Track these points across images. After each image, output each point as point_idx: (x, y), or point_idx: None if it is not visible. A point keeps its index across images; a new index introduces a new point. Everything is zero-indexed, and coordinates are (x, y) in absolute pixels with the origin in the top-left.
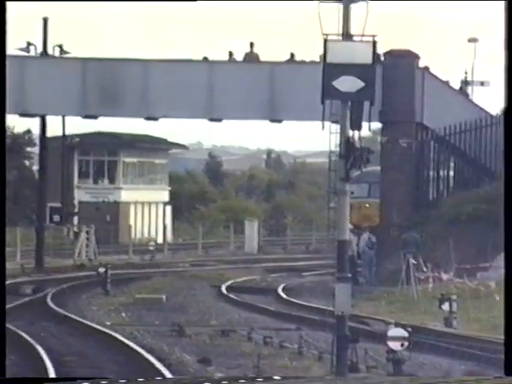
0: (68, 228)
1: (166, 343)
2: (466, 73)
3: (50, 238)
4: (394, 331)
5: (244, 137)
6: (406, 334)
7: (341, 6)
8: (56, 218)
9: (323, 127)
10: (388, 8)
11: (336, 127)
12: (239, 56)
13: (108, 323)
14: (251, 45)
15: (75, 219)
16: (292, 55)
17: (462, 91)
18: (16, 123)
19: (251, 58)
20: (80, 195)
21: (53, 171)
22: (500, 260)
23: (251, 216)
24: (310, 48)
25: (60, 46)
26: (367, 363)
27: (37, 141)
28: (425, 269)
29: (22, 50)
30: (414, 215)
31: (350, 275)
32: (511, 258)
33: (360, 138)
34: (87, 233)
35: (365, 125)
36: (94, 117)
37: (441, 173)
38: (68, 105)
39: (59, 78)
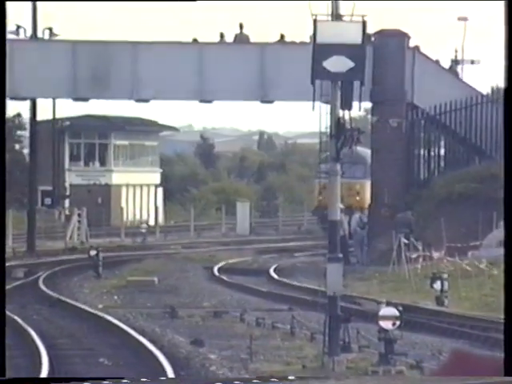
0: (59, 211)
1: (158, 325)
2: (456, 51)
3: (41, 222)
4: (385, 310)
5: (235, 118)
6: (397, 314)
7: None
8: (47, 201)
9: (314, 108)
10: None
11: (326, 107)
12: (229, 38)
13: (100, 306)
14: (241, 26)
15: (66, 202)
16: (282, 36)
17: (452, 70)
18: (6, 111)
19: (241, 39)
20: (71, 178)
21: (44, 154)
22: (491, 238)
23: (243, 198)
24: (300, 29)
25: (49, 29)
26: (359, 343)
27: (27, 124)
28: (417, 248)
29: (11, 33)
30: (405, 195)
31: (341, 255)
32: (511, 239)
33: (350, 118)
34: (79, 215)
35: (355, 105)
36: (85, 99)
37: (431, 152)
38: (58, 88)
39: (49, 61)
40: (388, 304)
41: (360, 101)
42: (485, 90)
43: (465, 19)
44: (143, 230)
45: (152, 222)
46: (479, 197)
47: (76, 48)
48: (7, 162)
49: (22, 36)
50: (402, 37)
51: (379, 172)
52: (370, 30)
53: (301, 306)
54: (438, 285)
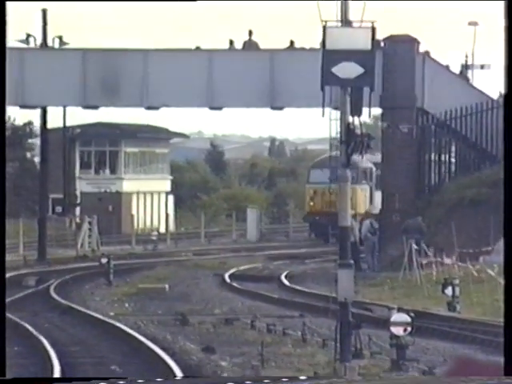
0: (70, 219)
1: (169, 332)
2: (466, 56)
3: (52, 230)
4: (397, 316)
5: (245, 125)
6: (409, 320)
7: None
8: (58, 209)
9: (323, 114)
10: None
11: (336, 114)
12: (239, 45)
13: (111, 313)
14: (250, 33)
15: (77, 210)
16: (291, 42)
17: (463, 75)
18: (16, 115)
19: (250, 46)
20: (82, 186)
21: (54, 162)
22: (502, 244)
23: (253, 204)
24: (310, 35)
25: (60, 38)
26: (371, 349)
27: (38, 132)
28: (428, 254)
29: (21, 41)
30: (416, 201)
31: (352, 261)
32: (511, 245)
33: (360, 124)
34: (89, 223)
35: (365, 111)
36: (95, 107)
37: (442, 157)
38: (68, 96)
39: (59, 69)
40: (399, 310)
41: (370, 107)
42: (495, 95)
43: (475, 24)
44: (154, 238)
45: (163, 230)
46: (490, 202)
47: (86, 56)
48: (18, 170)
49: (32, 45)
50: (412, 42)
51: (390, 178)
52: (380, 35)
53: (312, 312)
54: (449, 290)
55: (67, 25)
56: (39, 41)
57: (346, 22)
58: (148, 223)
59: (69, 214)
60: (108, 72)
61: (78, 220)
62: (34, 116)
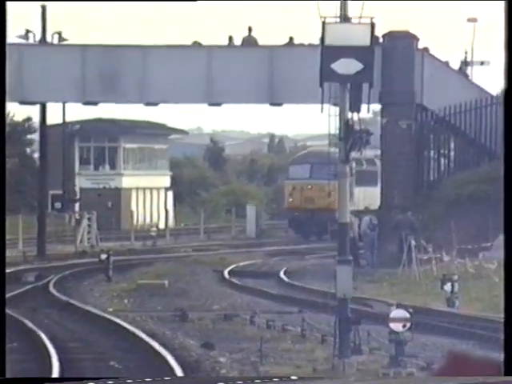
0: (70, 215)
1: (168, 328)
2: (465, 53)
3: (51, 226)
4: (395, 312)
5: (244, 121)
6: (407, 315)
7: None
8: (57, 205)
9: (322, 110)
10: None
11: (335, 110)
12: (238, 41)
13: (110, 309)
14: (249, 29)
15: (77, 206)
16: (291, 39)
17: (462, 71)
18: (16, 111)
19: (249, 42)
20: (81, 182)
21: (54, 158)
22: (501, 239)
23: (253, 200)
24: (309, 31)
25: (59, 33)
26: (370, 345)
27: (37, 128)
28: (426, 250)
29: (20, 37)
30: (415, 196)
31: (351, 258)
32: (510, 242)
33: (359, 120)
34: (89, 219)
35: (364, 107)
36: (94, 103)
37: (441, 153)
38: (68, 92)
39: (58, 65)
40: (398, 306)
41: (369, 103)
42: (494, 91)
43: (474, 20)
44: (153, 234)
45: (162, 226)
46: (489, 198)
47: (85, 52)
48: (17, 166)
49: (31, 40)
50: (411, 38)
51: (389, 174)
52: (379, 31)
53: (311, 308)
54: (448, 286)
55: (66, 21)
56: (38, 36)
57: (345, 18)
58: (147, 219)
59: (68, 209)
60: (107, 68)
61: (77, 216)
62: (33, 112)
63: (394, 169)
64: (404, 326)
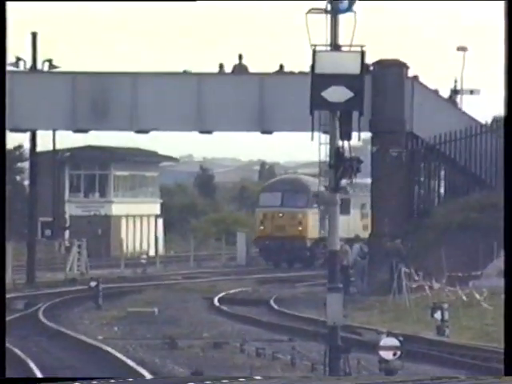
0: (59, 242)
1: (158, 356)
2: (455, 81)
3: (41, 253)
4: (386, 340)
5: (235, 149)
6: (398, 344)
7: (328, 16)
8: (47, 232)
9: (313, 138)
10: (376, 18)
11: (326, 138)
12: (228, 68)
13: (100, 337)
14: (240, 56)
15: (66, 233)
16: (281, 66)
17: (452, 100)
18: (6, 138)
19: (240, 69)
20: (71, 209)
21: (44, 186)
22: (491, 268)
23: (243, 227)
24: (299, 59)
25: (49, 61)
26: (360, 373)
27: (27, 156)
28: (416, 278)
29: (11, 65)
30: (406, 224)
31: (341, 285)
32: (511, 267)
33: (350, 147)
34: (79, 247)
35: (354, 135)
36: (85, 131)
37: (431, 182)
38: (58, 119)
39: (49, 92)
40: (389, 334)
41: (359, 131)
42: (484, 119)
43: (464, 49)
44: (143, 261)
45: (152, 253)
46: (479, 226)
47: (75, 80)
48: (8, 193)
49: (21, 68)
50: (401, 66)
51: (379, 202)
52: (369, 59)
53: (301, 336)
54: (438, 314)
55: (57, 48)
56: (29, 64)
57: (335, 46)
58: (137, 246)
59: (58, 237)
60: (97, 95)
61: (67, 243)
62: (24, 139)
63: (384, 196)
64: (394, 355)
